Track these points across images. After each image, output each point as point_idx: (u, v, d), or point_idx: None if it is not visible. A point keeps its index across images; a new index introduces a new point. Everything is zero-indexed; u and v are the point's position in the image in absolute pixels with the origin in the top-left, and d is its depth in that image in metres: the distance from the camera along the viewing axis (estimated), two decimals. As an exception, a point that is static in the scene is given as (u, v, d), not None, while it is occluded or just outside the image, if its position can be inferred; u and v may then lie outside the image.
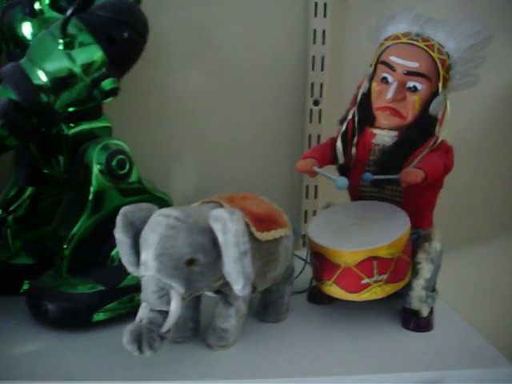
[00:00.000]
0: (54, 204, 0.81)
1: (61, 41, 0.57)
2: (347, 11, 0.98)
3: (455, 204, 1.05)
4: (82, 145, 0.72)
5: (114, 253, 0.72)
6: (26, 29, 0.72)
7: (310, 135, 1.00)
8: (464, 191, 1.07)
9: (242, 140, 1.00)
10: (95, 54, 0.59)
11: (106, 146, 0.70)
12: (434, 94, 0.73)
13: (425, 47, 0.72)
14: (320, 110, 0.99)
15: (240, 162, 1.01)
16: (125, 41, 0.60)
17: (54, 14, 0.69)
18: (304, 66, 0.99)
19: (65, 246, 0.71)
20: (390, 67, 0.73)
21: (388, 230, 0.69)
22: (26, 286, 0.78)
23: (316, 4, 0.96)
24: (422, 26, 0.74)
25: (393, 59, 0.72)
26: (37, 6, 0.70)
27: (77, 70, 0.59)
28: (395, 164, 0.73)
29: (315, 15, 0.96)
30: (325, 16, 0.96)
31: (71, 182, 0.73)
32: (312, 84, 0.98)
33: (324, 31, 0.96)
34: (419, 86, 0.72)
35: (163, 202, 0.77)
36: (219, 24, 0.96)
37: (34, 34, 0.71)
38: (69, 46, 0.58)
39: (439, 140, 0.74)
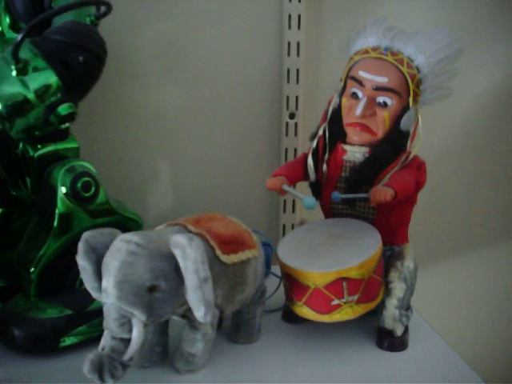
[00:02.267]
0: (27, 224, 0.79)
1: (13, 67, 0.56)
2: (321, 23, 0.97)
3: (430, 218, 1.05)
4: (48, 165, 0.71)
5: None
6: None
7: (286, 149, 0.98)
8: (439, 204, 1.06)
9: (218, 154, 0.99)
10: (49, 79, 0.57)
11: (71, 168, 0.69)
12: (405, 108, 0.72)
13: (394, 62, 0.71)
14: (296, 123, 0.98)
15: (217, 175, 1.00)
16: (80, 65, 0.59)
17: (15, 36, 0.68)
18: (279, 78, 0.97)
19: (32, 270, 0.70)
20: (359, 82, 0.72)
21: (358, 249, 0.68)
22: (-3, 308, 0.76)
23: (290, 16, 0.95)
24: (391, 40, 0.73)
25: (362, 74, 0.71)
26: (-3, 30, 0.69)
27: (31, 96, 0.57)
28: (366, 181, 0.72)
29: (289, 27, 0.95)
30: (299, 28, 0.95)
31: (37, 204, 0.72)
32: (287, 97, 0.97)
33: (298, 43, 0.95)
34: (389, 102, 0.71)
35: (133, 223, 0.76)
36: (193, 38, 0.95)
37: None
38: (22, 71, 0.56)
39: (411, 155, 0.73)
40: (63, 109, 0.61)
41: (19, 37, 0.55)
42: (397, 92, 0.71)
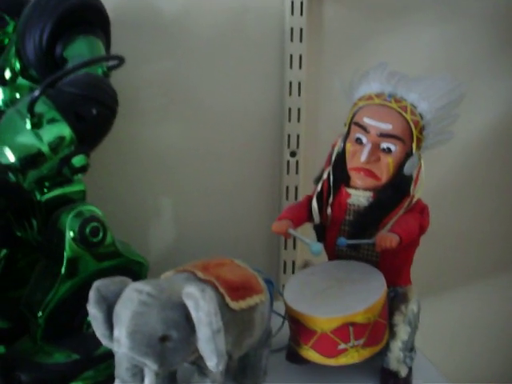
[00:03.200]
0: (32, 263, 0.80)
1: (28, 120, 0.57)
2: (323, 63, 0.99)
3: (429, 254, 1.06)
4: (55, 209, 0.71)
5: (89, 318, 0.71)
6: (-4, 95, 0.72)
7: (287, 186, 0.99)
8: (439, 241, 1.07)
9: (219, 192, 1.00)
10: (63, 132, 0.58)
11: (79, 214, 0.70)
12: (408, 154, 0.73)
13: (398, 109, 0.72)
14: (297, 161, 0.99)
15: (218, 212, 1.01)
16: (93, 117, 0.60)
17: (25, 82, 0.69)
18: (280, 117, 0.98)
19: (39, 315, 0.70)
20: (364, 128, 0.73)
21: (364, 293, 0.69)
22: (1, 350, 0.76)
23: (291, 56, 0.96)
24: (395, 86, 0.74)
25: (366, 121, 0.73)
26: (7, 74, 0.70)
27: (45, 149, 0.58)
28: (371, 226, 0.73)
29: (291, 67, 0.96)
30: (300, 68, 0.96)
31: (44, 248, 0.72)
32: (289, 135, 0.98)
33: (300, 83, 0.97)
34: (393, 148, 0.72)
35: (139, 265, 0.77)
36: (195, 77, 0.96)
37: (3, 101, 0.71)
38: (36, 125, 0.57)
39: (414, 199, 0.74)
40: (77, 161, 0.61)
41: (36, 93, 0.55)
42: (401, 138, 0.72)
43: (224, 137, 0.98)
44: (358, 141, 0.74)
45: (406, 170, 0.73)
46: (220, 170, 0.99)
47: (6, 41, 0.74)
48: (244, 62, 0.97)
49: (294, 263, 1.01)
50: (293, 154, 0.98)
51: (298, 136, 0.98)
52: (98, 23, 0.67)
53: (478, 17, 1.04)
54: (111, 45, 0.73)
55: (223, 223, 1.01)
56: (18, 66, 0.69)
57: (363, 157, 0.72)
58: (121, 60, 0.62)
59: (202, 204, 1.00)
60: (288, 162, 0.99)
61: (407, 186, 0.74)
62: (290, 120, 0.97)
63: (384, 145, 0.72)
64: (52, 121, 0.58)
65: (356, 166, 0.74)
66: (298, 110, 0.97)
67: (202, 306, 0.56)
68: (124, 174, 0.96)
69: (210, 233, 1.00)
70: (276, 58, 0.97)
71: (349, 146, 0.74)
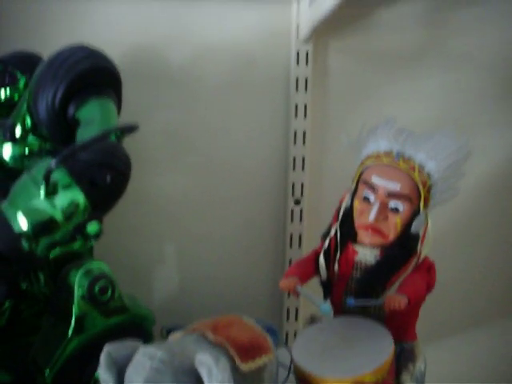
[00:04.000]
0: (36, 314, 0.80)
1: (43, 188, 0.57)
2: (327, 112, 1.00)
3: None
4: (63, 263, 0.72)
5: (97, 375, 0.71)
6: (6, 151, 0.72)
7: (291, 234, 1.00)
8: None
9: (223, 239, 1.01)
10: (78, 199, 0.58)
11: (88, 271, 0.70)
12: (415, 213, 0.73)
13: (406, 169, 0.73)
14: (301, 210, 0.99)
15: (222, 260, 1.01)
16: (107, 184, 0.60)
17: (35, 141, 0.69)
18: (285, 166, 0.99)
19: (47, 372, 0.70)
20: (372, 188, 0.73)
21: (372, 353, 0.69)
22: (3, 405, 0.76)
23: (296, 106, 0.97)
24: (402, 144, 0.75)
25: (375, 180, 0.73)
26: (18, 131, 0.70)
27: (58, 216, 0.58)
28: (378, 284, 0.73)
29: (296, 116, 0.97)
30: (305, 117, 0.97)
31: (52, 304, 0.72)
32: (293, 184, 0.98)
33: (304, 132, 0.97)
34: (401, 207, 0.72)
35: (145, 320, 0.77)
36: (201, 126, 0.97)
37: (13, 157, 0.71)
38: (51, 192, 0.57)
39: (422, 257, 0.75)
40: (92, 228, 0.62)
41: (53, 164, 0.55)
42: (409, 198, 0.72)
43: (229, 185, 0.99)
44: (366, 199, 0.74)
45: (414, 228, 0.73)
46: (225, 218, 0.99)
47: (16, 96, 0.75)
48: (250, 111, 0.98)
49: (297, 311, 1.01)
50: (297, 202, 0.99)
51: (302, 184, 0.98)
52: (110, 85, 0.67)
53: (480, 67, 1.06)
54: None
55: (227, 271, 1.01)
56: (29, 122, 0.69)
57: (371, 216, 0.72)
58: (134, 128, 0.63)
59: (206, 252, 1.00)
60: (292, 210, 0.99)
61: (414, 244, 0.74)
62: (294, 168, 0.98)
63: (392, 204, 0.73)
64: (66, 188, 0.58)
65: (364, 224, 0.74)
66: (303, 158, 0.98)
67: (215, 375, 0.56)
68: (129, 221, 0.96)
69: (214, 281, 1.00)
70: (281, 107, 0.98)
71: (356, 204, 0.75)
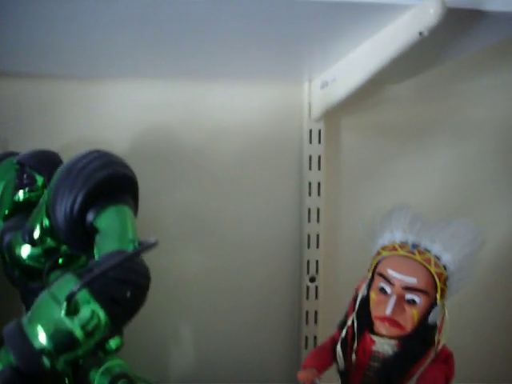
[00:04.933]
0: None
1: (64, 307, 0.57)
2: (341, 189, 1.00)
3: None
4: (83, 364, 0.71)
5: None
6: (24, 251, 0.73)
7: (307, 311, 1.00)
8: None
9: (238, 316, 1.01)
10: (98, 317, 0.59)
11: (108, 370, 0.70)
12: (432, 305, 0.73)
13: (422, 261, 0.73)
14: (316, 287, 0.99)
15: (239, 338, 1.01)
16: (128, 300, 0.60)
17: (53, 242, 0.70)
18: (300, 243, 0.99)
19: None
20: (388, 280, 0.73)
21: None
22: None
23: (310, 183, 0.97)
24: (418, 234, 0.75)
25: (391, 273, 0.73)
26: (36, 234, 0.71)
27: (79, 334, 0.58)
28: (396, 376, 0.73)
29: (309, 194, 0.97)
30: (319, 194, 0.98)
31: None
32: (308, 261, 0.99)
33: (318, 209, 0.98)
34: (417, 300, 0.72)
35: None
36: (214, 205, 0.98)
37: (30, 257, 0.72)
38: (72, 312, 0.57)
39: (439, 346, 0.74)
40: (113, 343, 0.62)
41: (77, 287, 0.56)
42: (425, 291, 0.72)
43: (244, 263, 1.00)
44: (382, 290, 0.74)
45: (431, 319, 0.73)
46: (240, 296, 1.00)
47: (34, 197, 0.76)
48: (263, 189, 0.99)
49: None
50: (312, 280, 0.99)
51: (317, 262, 0.99)
52: (127, 190, 0.68)
53: (492, 137, 1.06)
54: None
55: (244, 348, 1.01)
56: (47, 225, 0.70)
57: (388, 310, 0.72)
58: (154, 245, 0.63)
59: (221, 329, 1.00)
60: (308, 287, 0.99)
61: (432, 335, 0.74)
62: (309, 246, 0.98)
63: (408, 296, 0.73)
64: (87, 306, 0.58)
65: (381, 315, 0.74)
66: (317, 236, 0.98)
67: None
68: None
69: (230, 357, 1.00)
70: (295, 185, 0.99)
71: (373, 295, 0.75)
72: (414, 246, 0.74)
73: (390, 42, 0.66)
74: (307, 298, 1.00)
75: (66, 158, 0.95)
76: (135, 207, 0.69)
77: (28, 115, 0.96)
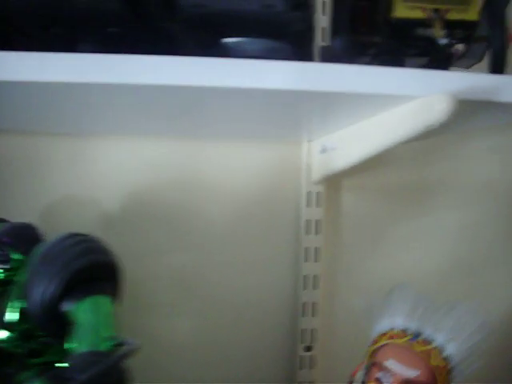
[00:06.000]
0: None
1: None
2: (340, 255, 0.96)
3: None
4: None
5: None
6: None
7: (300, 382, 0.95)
8: None
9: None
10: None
11: None
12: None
13: (423, 352, 0.68)
14: (311, 356, 0.94)
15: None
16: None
17: (27, 326, 0.66)
18: (295, 312, 0.95)
19: None
20: (387, 372, 0.69)
21: None
22: None
23: (307, 249, 0.93)
24: (420, 322, 0.71)
25: (389, 364, 0.69)
26: (10, 317, 0.66)
27: None
28: None
29: (306, 260, 0.93)
30: (316, 261, 0.93)
31: None
32: (303, 330, 0.94)
33: (315, 276, 0.93)
34: (418, 392, 0.68)
35: None
36: (207, 269, 0.94)
37: (5, 340, 0.67)
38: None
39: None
40: None
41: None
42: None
43: (235, 331, 0.95)
44: (380, 382, 0.69)
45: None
46: (231, 365, 0.95)
47: (11, 276, 0.71)
48: (259, 254, 0.95)
49: None
50: (307, 349, 0.94)
51: (312, 331, 0.94)
52: (107, 279, 0.64)
53: (498, 199, 1.02)
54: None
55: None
56: (22, 309, 0.66)
57: (387, 406, 0.67)
58: (136, 350, 0.59)
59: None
60: (302, 357, 0.94)
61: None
62: (304, 314, 0.93)
63: (408, 388, 0.68)
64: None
65: (379, 409, 0.69)
66: (313, 304, 0.94)
67: None
68: (136, 362, 0.92)
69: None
70: (292, 250, 0.95)
71: (370, 385, 0.70)
72: (416, 335, 0.70)
73: (395, 126, 0.62)
74: (301, 368, 0.95)
75: (53, 218, 0.93)
76: (117, 294, 0.65)
77: (16, 171, 0.92)
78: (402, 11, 0.60)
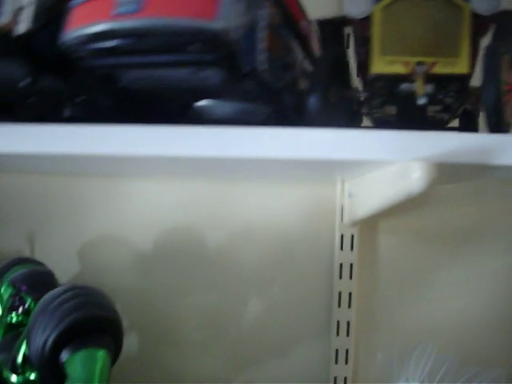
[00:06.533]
0: None
1: None
2: (374, 301, 0.93)
3: None
4: None
5: None
6: (12, 377, 0.70)
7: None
8: None
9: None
10: None
11: None
12: None
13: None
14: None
15: None
16: None
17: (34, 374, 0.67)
18: (327, 357, 0.92)
19: None
20: None
21: None
22: None
23: (340, 293, 0.91)
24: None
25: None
26: (18, 362, 0.68)
27: None
28: None
29: (339, 305, 0.90)
30: (349, 307, 0.91)
31: None
32: (336, 378, 0.91)
33: (348, 323, 0.90)
34: None
35: None
36: (238, 309, 0.94)
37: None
38: None
39: None
40: None
41: None
42: None
43: (267, 374, 0.93)
44: None
45: None
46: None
47: (27, 320, 0.73)
48: (289, 297, 0.93)
49: None
50: (339, 398, 0.91)
51: (344, 378, 0.91)
52: (105, 332, 0.64)
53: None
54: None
55: None
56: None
57: None
58: None
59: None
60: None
61: None
62: (336, 362, 0.91)
63: None
64: None
65: None
66: (346, 351, 0.91)
67: None
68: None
69: None
70: (324, 294, 0.92)
71: None
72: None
73: (389, 186, 0.58)
74: (335, 418, 0.92)
75: (89, 255, 0.95)
76: (116, 347, 0.65)
77: (52, 210, 0.96)
78: (379, 66, 0.56)
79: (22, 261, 0.83)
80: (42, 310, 0.64)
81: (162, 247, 0.94)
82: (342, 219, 0.90)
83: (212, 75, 0.50)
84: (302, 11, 0.65)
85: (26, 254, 0.96)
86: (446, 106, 0.62)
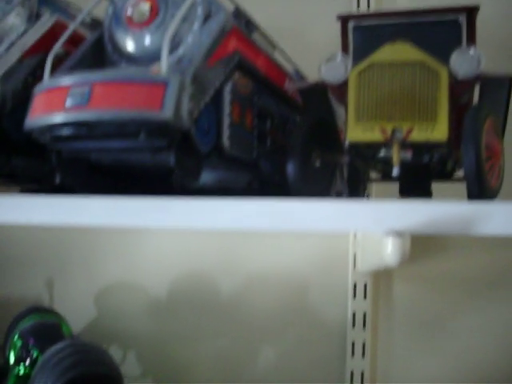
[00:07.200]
0: None
1: None
2: (388, 351, 0.92)
3: None
4: None
5: None
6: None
7: None
8: None
9: None
10: None
11: None
12: None
13: None
14: None
15: None
16: None
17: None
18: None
19: None
20: None
21: None
22: None
23: (353, 343, 0.89)
24: None
25: None
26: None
27: None
28: None
29: (352, 355, 0.89)
30: (363, 357, 0.89)
31: None
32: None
33: (363, 373, 0.89)
34: None
35: None
36: (250, 356, 0.94)
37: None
38: None
39: None
40: None
41: None
42: None
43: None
44: None
45: None
46: None
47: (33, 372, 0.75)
48: (302, 346, 0.93)
49: None
50: None
51: None
52: None
53: None
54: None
55: None
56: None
57: None
58: None
59: None
60: None
61: None
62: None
63: None
64: None
65: None
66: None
67: None
68: None
69: None
70: (337, 344, 0.91)
71: None
72: None
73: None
74: None
75: (106, 301, 0.96)
76: None
77: (70, 258, 1.00)
78: (356, 133, 0.54)
79: (35, 310, 0.86)
80: (43, 366, 0.66)
81: (176, 294, 0.95)
82: (354, 267, 0.88)
83: (169, 157, 0.50)
84: (283, 72, 0.64)
85: (45, 299, 0.99)
86: (432, 168, 0.60)
